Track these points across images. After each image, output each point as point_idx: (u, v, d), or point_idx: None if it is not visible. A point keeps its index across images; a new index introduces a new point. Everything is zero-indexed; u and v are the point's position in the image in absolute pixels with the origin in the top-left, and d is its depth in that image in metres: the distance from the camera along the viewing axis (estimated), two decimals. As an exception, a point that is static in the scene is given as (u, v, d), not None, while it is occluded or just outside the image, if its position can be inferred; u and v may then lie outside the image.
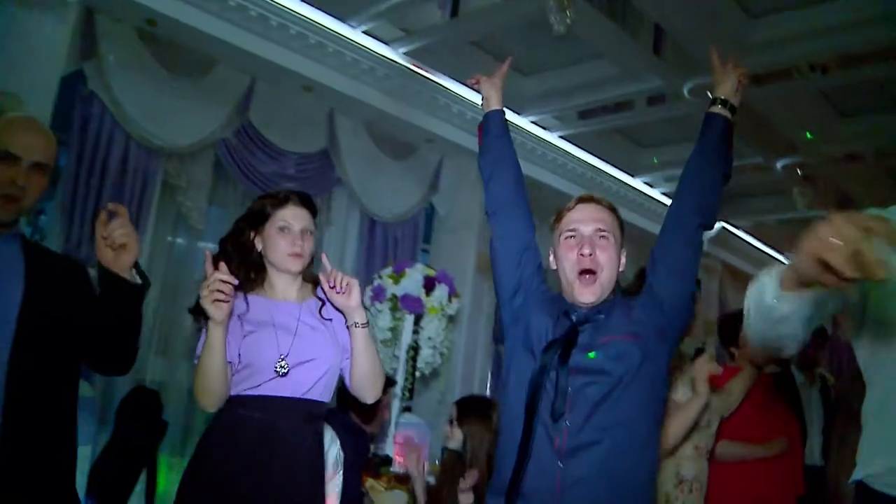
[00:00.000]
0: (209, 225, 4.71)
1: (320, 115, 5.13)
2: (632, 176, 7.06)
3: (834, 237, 1.07)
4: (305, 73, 4.70)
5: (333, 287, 2.10)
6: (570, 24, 3.91)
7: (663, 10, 4.28)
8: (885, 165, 6.03)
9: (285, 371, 2.06)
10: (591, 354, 1.78)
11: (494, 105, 2.23)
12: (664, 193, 7.39)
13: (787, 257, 9.02)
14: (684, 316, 1.91)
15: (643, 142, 6.76)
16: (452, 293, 4.45)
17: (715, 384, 2.94)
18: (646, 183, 7.28)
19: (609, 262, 1.87)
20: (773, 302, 1.33)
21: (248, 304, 2.15)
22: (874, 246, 1.04)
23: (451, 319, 4.57)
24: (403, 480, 4.04)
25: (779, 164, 6.34)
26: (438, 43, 4.90)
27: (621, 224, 1.96)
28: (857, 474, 1.49)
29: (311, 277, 2.29)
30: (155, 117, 4.20)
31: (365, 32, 4.77)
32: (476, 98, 5.84)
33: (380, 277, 4.51)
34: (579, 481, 1.69)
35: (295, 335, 2.11)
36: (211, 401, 2.05)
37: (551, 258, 1.97)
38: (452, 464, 3.09)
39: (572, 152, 6.43)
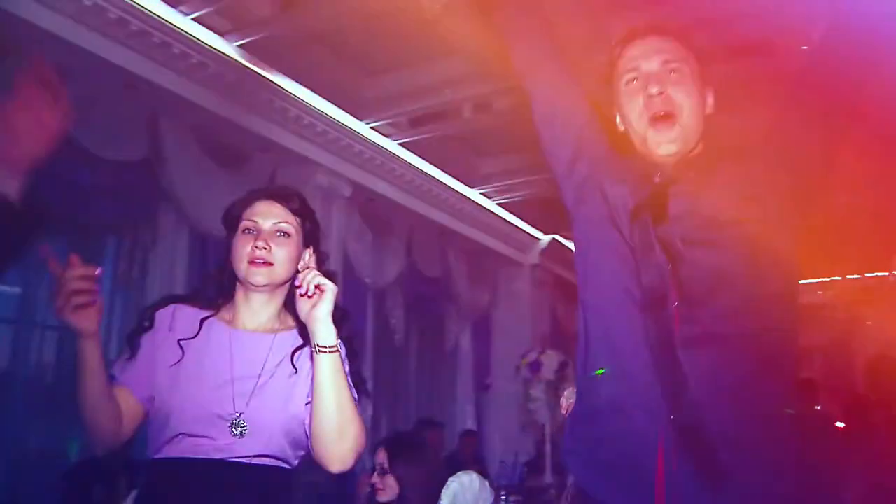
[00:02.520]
0: (8, 249, 3.82)
1: (142, 116, 4.39)
2: (469, 187, 6.80)
3: None
4: (125, 65, 3.99)
5: (299, 287, 1.54)
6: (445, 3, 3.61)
7: None
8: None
9: (243, 430, 1.52)
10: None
11: None
12: (500, 205, 7.25)
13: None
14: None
15: (482, 150, 6.57)
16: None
17: None
18: (482, 194, 7.00)
19: (688, 101, 1.42)
20: None
21: (200, 329, 1.61)
22: None
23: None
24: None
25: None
26: (274, 37, 4.42)
27: (697, 56, 1.50)
28: None
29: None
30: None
31: (195, 20, 4.16)
32: (316, 102, 5.33)
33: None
34: (693, 389, 1.25)
35: (257, 380, 1.58)
36: (98, 438, 1.54)
37: (618, 119, 1.54)
38: None
39: (411, 161, 6.12)
